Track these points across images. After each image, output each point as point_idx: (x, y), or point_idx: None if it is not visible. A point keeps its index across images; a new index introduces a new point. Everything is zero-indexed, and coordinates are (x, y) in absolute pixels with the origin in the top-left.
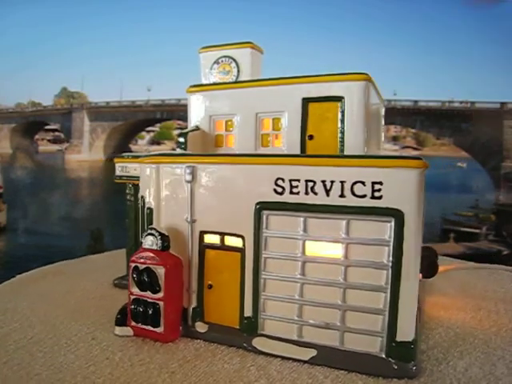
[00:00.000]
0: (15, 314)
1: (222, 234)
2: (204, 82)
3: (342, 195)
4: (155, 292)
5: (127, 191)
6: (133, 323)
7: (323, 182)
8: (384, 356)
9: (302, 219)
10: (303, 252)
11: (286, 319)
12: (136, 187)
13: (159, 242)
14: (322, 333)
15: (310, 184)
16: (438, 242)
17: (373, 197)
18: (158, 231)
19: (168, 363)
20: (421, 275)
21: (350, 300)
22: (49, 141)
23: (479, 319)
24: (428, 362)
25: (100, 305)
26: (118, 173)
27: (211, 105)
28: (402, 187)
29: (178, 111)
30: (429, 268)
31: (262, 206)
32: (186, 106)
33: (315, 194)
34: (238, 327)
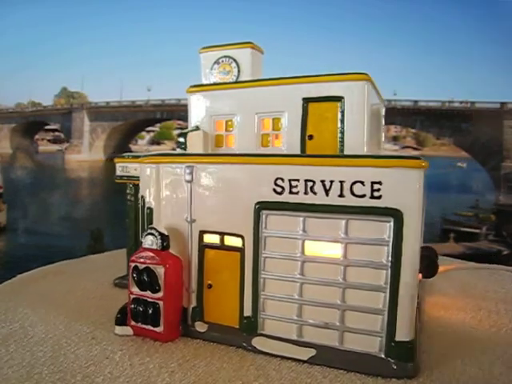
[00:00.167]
0: (16, 313)
1: (222, 234)
2: (204, 82)
3: (341, 195)
4: (155, 291)
5: (128, 191)
6: (133, 323)
7: (322, 181)
8: (383, 356)
9: (301, 219)
10: (302, 252)
11: (286, 319)
12: (136, 187)
13: (159, 241)
14: (321, 332)
15: (310, 184)
16: (438, 241)
17: (372, 197)
18: (157, 231)
19: (167, 362)
20: (421, 275)
21: (349, 300)
22: (49, 141)
23: (479, 319)
24: (427, 362)
25: (100, 304)
26: (118, 173)
27: (211, 105)
28: (401, 187)
29: (178, 111)
30: (429, 268)
31: (262, 206)
32: (186, 105)
33: (314, 193)
34: (237, 327)
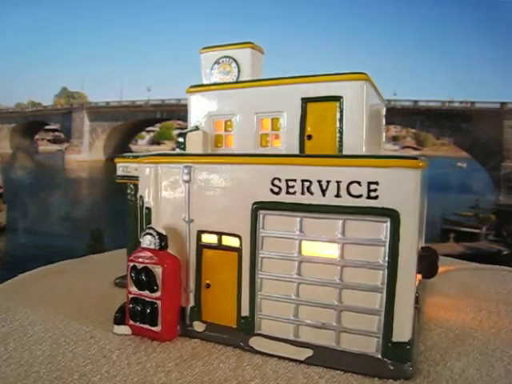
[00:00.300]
0: (16, 312)
1: (220, 234)
2: (205, 82)
3: (337, 195)
4: (153, 291)
5: (128, 191)
6: (131, 322)
7: (319, 181)
8: (380, 356)
9: (298, 219)
10: (299, 252)
11: (283, 319)
12: (137, 187)
13: (157, 241)
14: (318, 333)
15: (306, 184)
16: (438, 241)
17: (369, 197)
18: (156, 231)
19: (164, 362)
20: (420, 276)
21: (346, 300)
22: (49, 141)
23: (479, 320)
24: (425, 363)
25: (100, 304)
26: (119, 173)
27: (211, 105)
28: (397, 187)
29: (178, 111)
30: (429, 268)
31: (259, 206)
32: (186, 105)
33: (311, 193)
34: (235, 327)
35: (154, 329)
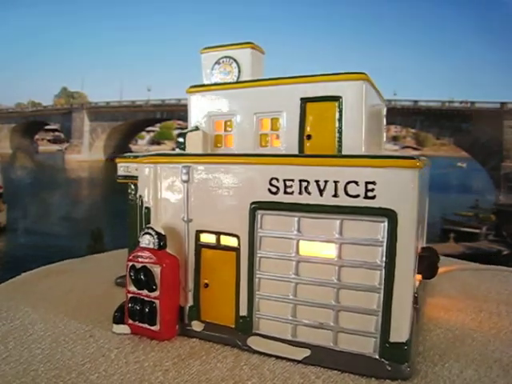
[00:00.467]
0: (17, 311)
1: (218, 234)
2: (205, 82)
3: (335, 195)
4: (152, 290)
5: (129, 191)
6: (130, 321)
7: (317, 181)
8: (377, 357)
9: (296, 219)
10: (297, 252)
11: (280, 319)
12: (137, 187)
13: (156, 241)
14: (315, 333)
15: (304, 184)
16: (438, 242)
17: (366, 197)
18: (154, 230)
19: (162, 361)
20: (420, 276)
21: (343, 300)
22: (49, 141)
23: (479, 321)
24: (423, 364)
25: (100, 303)
26: (120, 173)
27: (210, 105)
28: (395, 187)
29: (178, 111)
30: (428, 268)
31: (257, 206)
32: (186, 105)
33: (309, 193)
34: (233, 326)
35: (152, 328)
